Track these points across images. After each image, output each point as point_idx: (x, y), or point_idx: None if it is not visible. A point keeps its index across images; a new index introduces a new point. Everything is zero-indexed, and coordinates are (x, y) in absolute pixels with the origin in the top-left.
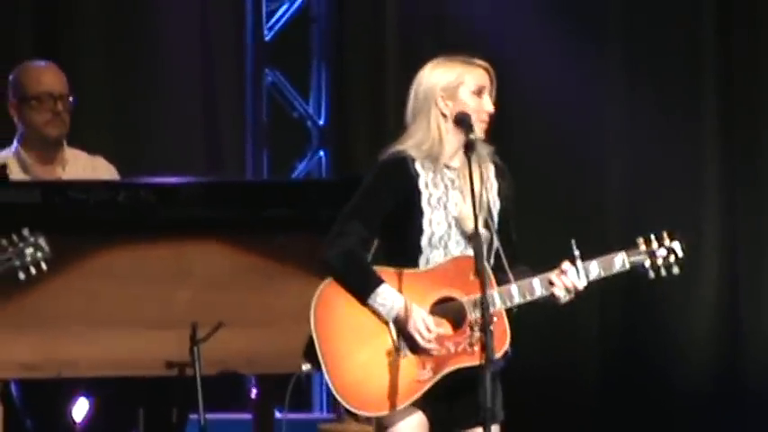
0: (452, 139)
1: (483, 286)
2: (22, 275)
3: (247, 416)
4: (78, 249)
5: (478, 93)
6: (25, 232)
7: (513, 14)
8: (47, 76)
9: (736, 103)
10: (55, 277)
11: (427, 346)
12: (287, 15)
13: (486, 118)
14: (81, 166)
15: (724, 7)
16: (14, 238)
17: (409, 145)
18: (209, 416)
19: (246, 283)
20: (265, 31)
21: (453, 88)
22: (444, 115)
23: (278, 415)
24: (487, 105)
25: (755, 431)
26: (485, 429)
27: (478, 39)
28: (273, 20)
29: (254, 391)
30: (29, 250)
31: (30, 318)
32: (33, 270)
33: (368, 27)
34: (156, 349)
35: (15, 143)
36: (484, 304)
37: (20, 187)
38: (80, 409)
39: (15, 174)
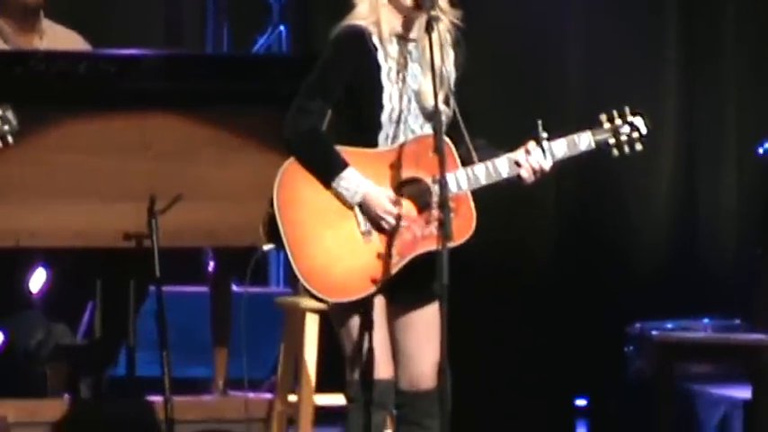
0: (390, 14)
1: (441, 163)
2: None
3: (204, 289)
4: (38, 120)
5: None
6: None
7: None
8: None
9: None
10: (14, 148)
11: (393, 229)
12: None
13: None
14: (57, 37)
15: None
16: None
17: (357, 18)
18: (167, 289)
19: (205, 157)
20: None
21: None
22: None
23: (235, 288)
24: None
25: (711, 311)
26: (441, 306)
27: None
28: None
29: (211, 265)
30: None
31: None
32: None
33: None
34: (114, 221)
35: None
36: (442, 181)
37: None
38: (38, 279)
39: None
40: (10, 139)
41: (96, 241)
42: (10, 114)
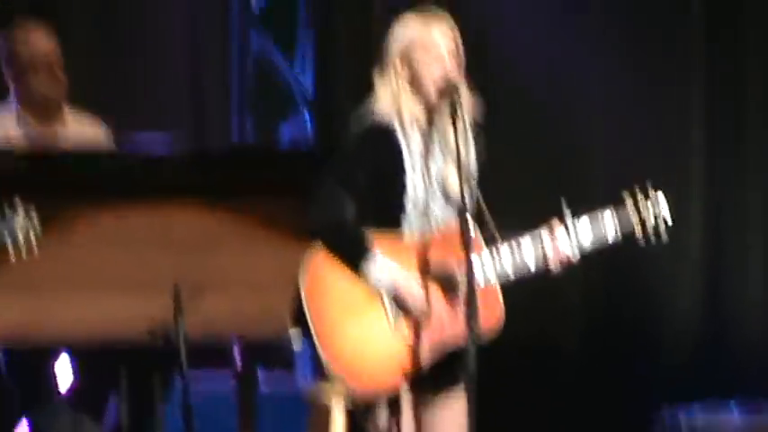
0: (412, 103)
1: (467, 250)
2: (9, 246)
3: (230, 376)
4: (62, 214)
5: (433, 53)
6: (16, 202)
7: None
8: (36, 37)
9: (721, 62)
10: (38, 243)
11: (422, 315)
12: None
13: (441, 74)
14: (79, 125)
15: None
16: (5, 207)
17: (379, 106)
18: (192, 375)
19: (229, 247)
20: None
21: (406, 51)
22: (402, 79)
23: (261, 376)
24: (441, 65)
25: (739, 395)
26: (468, 397)
27: (463, 7)
28: None
29: (237, 353)
30: (19, 222)
31: (12, 282)
32: (22, 242)
33: None
34: (139, 313)
35: (14, 102)
36: (468, 269)
37: (4, 152)
38: (62, 364)
39: (14, 133)
40: (33, 239)
41: (121, 333)
42: (34, 214)
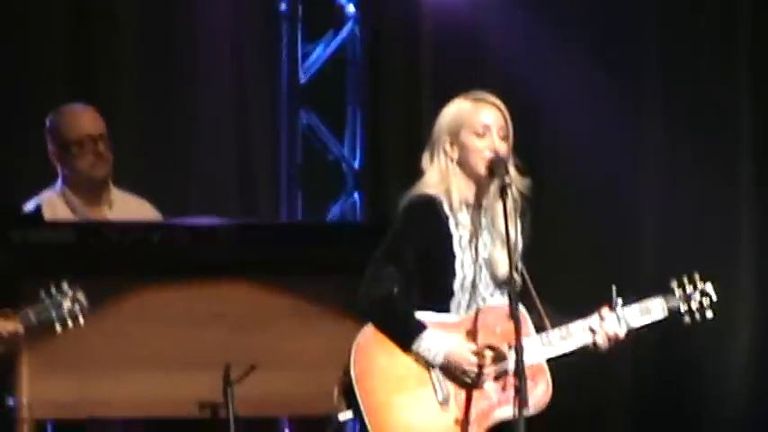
0: (462, 182)
1: (517, 330)
2: (58, 328)
3: None
4: (112, 290)
5: (482, 133)
6: (64, 285)
7: (550, 62)
8: (84, 119)
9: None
10: (89, 318)
11: (475, 383)
12: (323, 57)
13: (488, 157)
14: (127, 206)
15: (758, 67)
16: (53, 289)
17: (428, 187)
18: None
19: (280, 325)
20: (301, 73)
21: (456, 131)
22: (452, 159)
23: None
24: (490, 144)
25: None
26: None
27: (515, 85)
28: (309, 62)
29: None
30: (67, 304)
31: (64, 358)
32: (70, 323)
33: (403, 69)
34: (188, 390)
35: (60, 183)
36: (518, 347)
37: (55, 228)
38: None
39: (63, 213)
40: (81, 319)
41: (171, 411)
42: (81, 296)
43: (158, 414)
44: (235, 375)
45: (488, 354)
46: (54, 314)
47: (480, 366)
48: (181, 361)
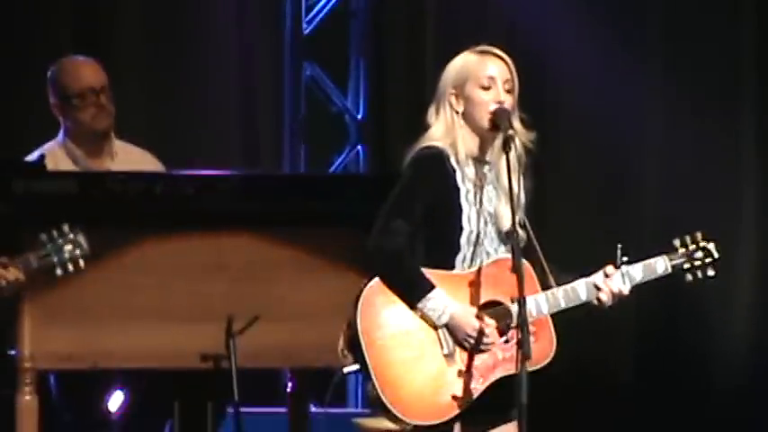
0: (468, 136)
1: (520, 284)
2: (59, 271)
3: (282, 410)
4: (115, 241)
5: (488, 86)
6: (65, 228)
7: (555, 22)
8: (86, 72)
9: None
10: (91, 269)
11: (480, 347)
12: (326, 9)
13: (495, 107)
14: (129, 158)
15: (764, 24)
16: (54, 233)
17: (434, 140)
18: (244, 409)
19: (283, 277)
20: (304, 25)
21: (461, 84)
22: (457, 112)
23: (313, 409)
24: (495, 97)
25: None
26: (520, 427)
27: (520, 42)
28: (312, 14)
29: (289, 386)
30: (68, 247)
31: (66, 309)
32: (71, 267)
33: (407, 21)
34: (191, 342)
35: (62, 135)
36: (521, 301)
37: (57, 178)
38: (116, 401)
39: (65, 165)
40: (82, 263)
41: (174, 362)
42: (82, 238)
43: (160, 365)
44: (238, 327)
45: (490, 322)
46: (55, 258)
47: (482, 331)
48: (183, 312)
